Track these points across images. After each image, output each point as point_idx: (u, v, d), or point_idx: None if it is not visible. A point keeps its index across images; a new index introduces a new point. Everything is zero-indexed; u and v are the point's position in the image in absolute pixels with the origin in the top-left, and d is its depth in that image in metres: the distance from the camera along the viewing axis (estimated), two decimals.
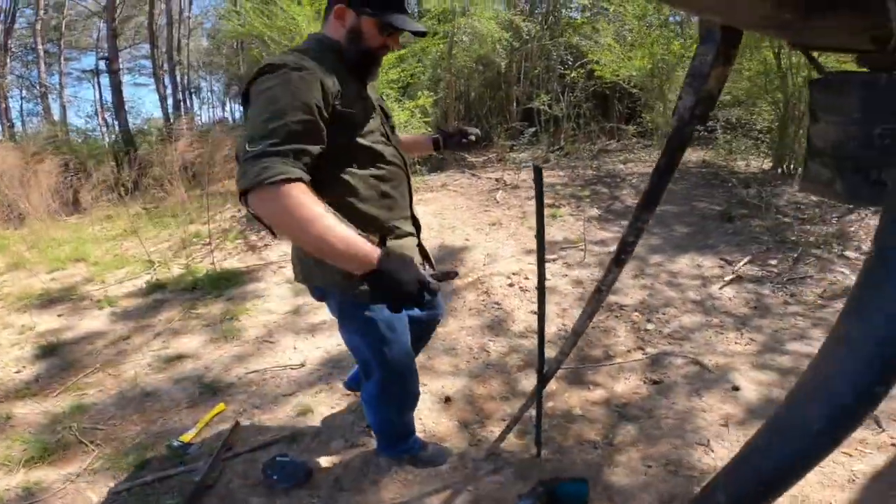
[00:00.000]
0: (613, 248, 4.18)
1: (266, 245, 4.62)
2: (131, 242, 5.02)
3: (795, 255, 3.84)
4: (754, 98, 5.83)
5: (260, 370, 2.53)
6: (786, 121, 5.45)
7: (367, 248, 1.02)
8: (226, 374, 2.53)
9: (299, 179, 1.01)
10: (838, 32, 0.74)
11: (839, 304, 3.12)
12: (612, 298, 3.31)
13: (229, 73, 11.47)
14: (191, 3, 9.56)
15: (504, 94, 7.44)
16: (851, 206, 4.68)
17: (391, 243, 1.36)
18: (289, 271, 3.89)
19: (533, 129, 6.70)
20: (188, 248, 4.64)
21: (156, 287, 3.71)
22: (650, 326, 3.02)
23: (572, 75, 6.81)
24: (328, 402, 2.23)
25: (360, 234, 1.04)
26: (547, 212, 5.12)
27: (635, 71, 5.60)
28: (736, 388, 2.29)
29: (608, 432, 2.06)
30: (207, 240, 4.69)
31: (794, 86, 5.28)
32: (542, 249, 1.55)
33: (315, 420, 2.12)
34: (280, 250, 4.47)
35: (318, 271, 1.34)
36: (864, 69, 0.74)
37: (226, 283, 3.62)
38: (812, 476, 1.75)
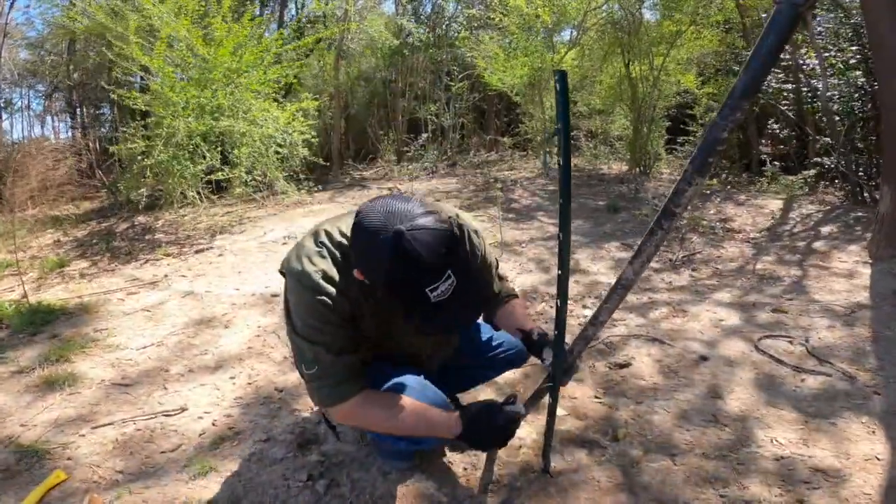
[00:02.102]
0: (524, 245, 3.87)
1: (106, 270, 3.44)
2: None
3: (680, 236, 4.03)
4: (610, 107, 6.30)
5: (115, 422, 1.62)
6: (639, 125, 5.94)
7: (444, 420, 1.12)
8: (57, 433, 1.57)
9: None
10: None
11: (732, 269, 3.28)
12: (542, 289, 3.03)
13: (53, 84, 9.02)
14: (11, 6, 7.25)
15: (390, 107, 7.04)
16: (708, 193, 5.21)
17: None
18: (146, 298, 2.87)
19: (424, 136, 6.40)
20: None
21: None
22: (587, 312, 2.77)
23: (457, 87, 6.70)
24: (239, 456, 1.46)
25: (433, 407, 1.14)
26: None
27: (517, 79, 5.65)
28: (704, 358, 2.10)
29: (605, 427, 1.67)
30: (16, 269, 3.33)
31: (643, 93, 5.79)
32: (567, 194, 1.07)
33: (224, 482, 1.34)
34: (126, 273, 3.34)
35: None
36: None
37: (45, 318, 2.48)
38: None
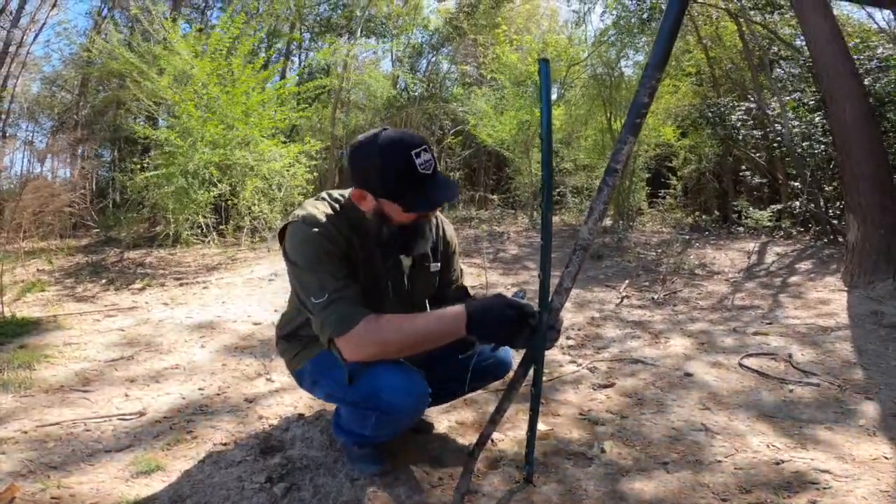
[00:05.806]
0: (509, 289, 3.85)
1: (87, 297, 3.31)
2: None
3: (661, 278, 4.02)
4: (595, 161, 6.51)
5: (63, 422, 1.46)
6: (621, 178, 6.12)
7: (452, 312, 1.05)
8: None
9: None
10: None
11: (713, 303, 3.22)
12: None
13: (60, 119, 9.06)
14: (36, 37, 7.44)
15: None
16: (689, 239, 5.27)
17: None
18: (123, 320, 2.74)
19: None
20: None
21: None
22: (571, 342, 2.67)
23: (448, 141, 6.93)
24: (194, 457, 1.30)
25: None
26: None
27: (506, 133, 5.87)
28: (688, 375, 1.99)
29: (591, 441, 1.53)
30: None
31: None
32: (549, 170, 1.07)
33: (170, 481, 1.18)
34: (107, 300, 3.21)
35: (287, 359, 1.31)
36: None
37: (15, 331, 2.35)
38: None
